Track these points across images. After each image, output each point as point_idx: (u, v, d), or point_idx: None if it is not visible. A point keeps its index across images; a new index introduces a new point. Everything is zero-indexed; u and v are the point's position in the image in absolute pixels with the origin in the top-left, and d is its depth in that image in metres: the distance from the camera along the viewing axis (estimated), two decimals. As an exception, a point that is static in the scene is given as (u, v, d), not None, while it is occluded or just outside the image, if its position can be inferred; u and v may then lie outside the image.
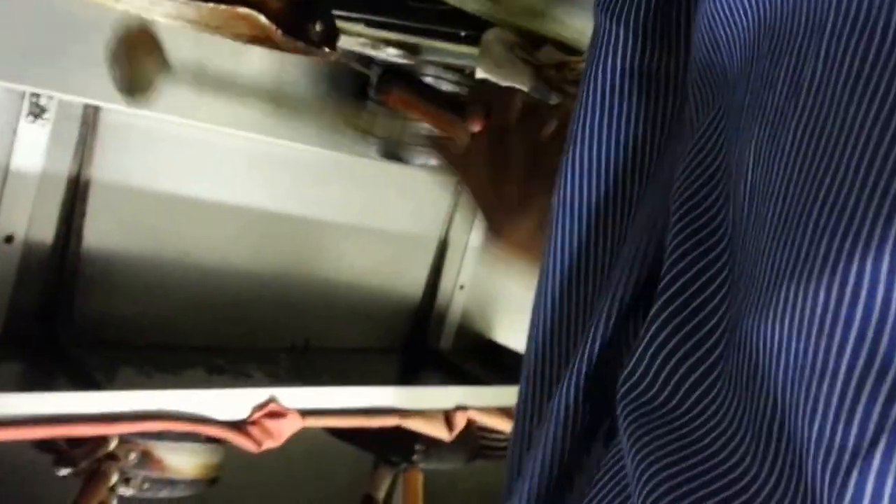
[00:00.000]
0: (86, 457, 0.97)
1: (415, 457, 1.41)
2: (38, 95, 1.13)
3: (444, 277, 1.83)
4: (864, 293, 0.26)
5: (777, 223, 0.28)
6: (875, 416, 0.25)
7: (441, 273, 1.83)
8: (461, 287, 1.98)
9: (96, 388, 1.07)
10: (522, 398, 0.47)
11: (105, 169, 1.24)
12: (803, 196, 0.27)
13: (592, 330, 0.39)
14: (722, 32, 0.36)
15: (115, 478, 1.05)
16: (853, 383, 0.26)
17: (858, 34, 0.28)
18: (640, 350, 0.35)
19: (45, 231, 1.19)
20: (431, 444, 1.41)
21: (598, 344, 0.39)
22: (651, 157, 0.42)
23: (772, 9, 0.33)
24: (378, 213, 1.69)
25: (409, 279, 1.81)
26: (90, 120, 1.20)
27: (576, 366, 0.39)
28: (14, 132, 1.13)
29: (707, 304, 0.34)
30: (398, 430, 1.35)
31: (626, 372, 0.36)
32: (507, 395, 1.55)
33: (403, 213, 1.75)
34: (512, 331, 2.13)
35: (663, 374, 0.34)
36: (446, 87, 1.47)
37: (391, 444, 1.42)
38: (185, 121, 1.26)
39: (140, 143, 1.27)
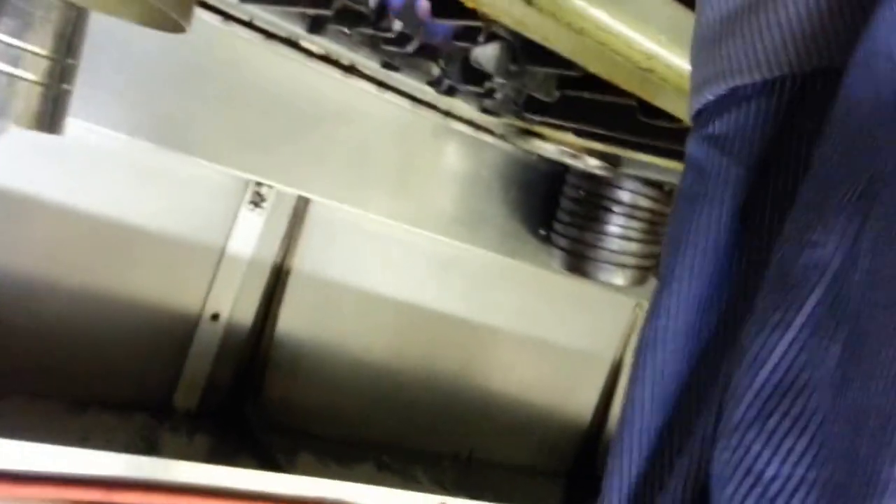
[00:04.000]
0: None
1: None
2: (260, 185, 1.21)
3: (617, 401, 1.75)
4: None
5: None
6: None
7: (613, 396, 1.77)
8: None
9: (280, 469, 1.08)
10: None
11: (306, 260, 1.30)
12: None
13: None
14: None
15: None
16: None
17: None
18: None
19: (247, 314, 1.25)
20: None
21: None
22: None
23: None
24: (553, 327, 1.66)
25: (581, 399, 1.75)
26: (300, 212, 1.27)
27: None
28: (234, 218, 1.21)
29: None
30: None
31: None
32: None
33: (579, 330, 1.72)
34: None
35: None
36: (643, 202, 1.46)
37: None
38: (382, 219, 1.31)
39: (342, 238, 1.33)
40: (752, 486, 0.33)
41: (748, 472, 0.33)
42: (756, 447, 0.33)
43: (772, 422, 0.33)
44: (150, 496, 0.94)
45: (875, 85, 0.35)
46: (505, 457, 1.60)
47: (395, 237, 1.38)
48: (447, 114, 1.31)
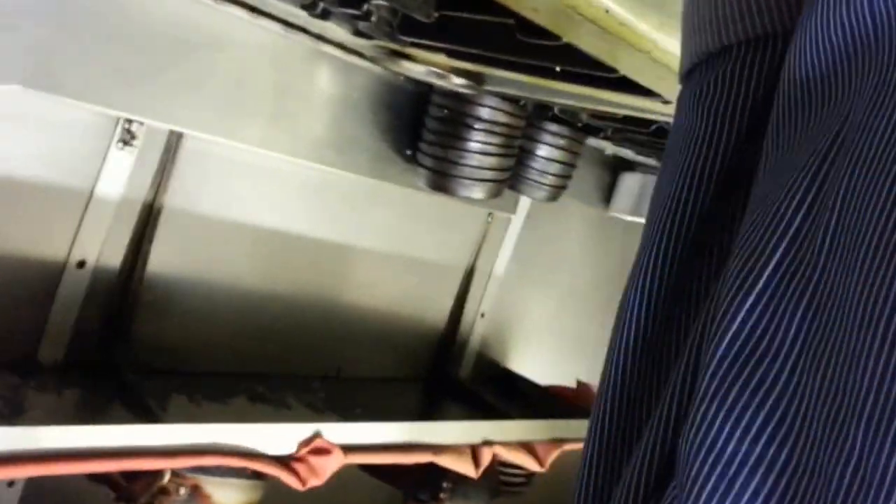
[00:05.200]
0: (144, 491, 0.99)
1: (442, 494, 1.44)
2: (130, 122, 1.15)
3: (468, 306, 1.87)
4: None
5: (875, 264, 0.28)
6: None
7: (465, 302, 1.88)
8: (482, 315, 2.02)
9: (152, 418, 1.09)
10: (593, 455, 0.44)
11: (178, 196, 1.26)
12: None
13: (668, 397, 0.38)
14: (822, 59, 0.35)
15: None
16: None
17: None
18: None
19: (115, 257, 1.21)
20: (458, 481, 1.45)
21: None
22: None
23: (880, 53, 0.33)
24: (414, 243, 1.72)
25: (436, 307, 1.84)
26: (172, 147, 1.22)
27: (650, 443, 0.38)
28: (103, 158, 1.15)
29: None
30: (427, 467, 1.39)
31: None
32: (527, 429, 1.59)
33: (437, 243, 1.77)
34: (528, 359, 2.17)
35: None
36: (502, 118, 1.51)
37: (420, 482, 1.45)
38: (256, 149, 1.29)
39: (214, 172, 1.30)
40: (714, 464, 0.31)
41: (711, 447, 0.31)
42: (717, 421, 0.31)
43: (732, 393, 0.31)
44: (22, 467, 0.94)
45: (829, 30, 0.35)
46: (371, 371, 1.68)
47: (268, 167, 1.36)
48: (319, 37, 1.28)
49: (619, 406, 0.42)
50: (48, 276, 1.15)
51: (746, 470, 0.30)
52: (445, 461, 1.40)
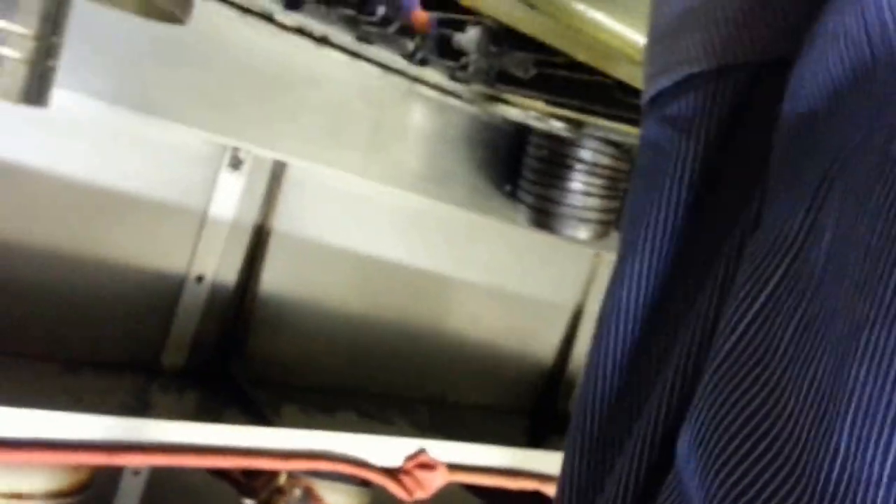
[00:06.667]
0: (263, 488, 1.03)
1: (548, 522, 1.41)
2: (237, 149, 1.23)
3: (578, 344, 1.85)
4: None
5: (860, 277, 0.29)
6: None
7: (574, 340, 1.86)
8: (589, 353, 1.95)
9: (267, 423, 1.13)
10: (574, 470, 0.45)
11: (284, 219, 1.33)
12: (887, 252, 0.29)
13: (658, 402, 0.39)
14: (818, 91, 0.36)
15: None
16: None
17: None
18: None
19: (230, 274, 1.28)
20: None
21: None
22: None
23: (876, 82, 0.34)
24: (518, 278, 1.72)
25: (544, 343, 1.82)
26: (278, 173, 1.30)
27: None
28: (215, 181, 1.24)
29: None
30: (531, 495, 1.36)
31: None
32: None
33: (542, 280, 1.76)
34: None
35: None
36: (604, 160, 1.51)
37: (524, 507, 1.43)
38: (355, 178, 1.35)
39: (317, 198, 1.37)
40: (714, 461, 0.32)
41: (703, 443, 0.33)
42: (709, 421, 0.33)
43: (724, 392, 0.33)
44: (148, 457, 0.99)
45: (828, 64, 0.36)
46: (475, 399, 1.68)
47: (367, 195, 1.42)
48: (415, 79, 1.34)
49: (602, 416, 0.44)
50: (170, 289, 1.23)
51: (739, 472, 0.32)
52: (552, 491, 1.37)
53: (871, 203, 0.30)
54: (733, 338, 0.34)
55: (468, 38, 0.90)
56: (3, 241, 1.11)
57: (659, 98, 0.47)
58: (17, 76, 0.91)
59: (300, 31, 1.19)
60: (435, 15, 0.89)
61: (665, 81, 0.46)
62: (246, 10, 1.14)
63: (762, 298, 0.34)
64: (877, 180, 0.31)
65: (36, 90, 0.94)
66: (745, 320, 0.34)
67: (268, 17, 1.16)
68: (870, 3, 0.35)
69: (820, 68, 0.37)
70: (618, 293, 0.44)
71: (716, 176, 0.42)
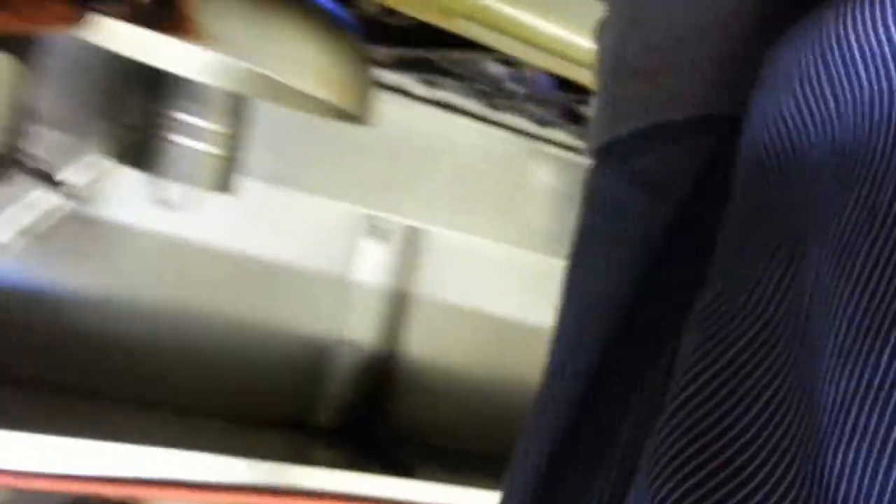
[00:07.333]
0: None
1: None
2: (377, 217, 1.35)
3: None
4: None
5: (840, 350, 0.27)
6: None
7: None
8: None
9: (408, 476, 1.22)
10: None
11: (423, 284, 1.43)
12: (875, 322, 0.26)
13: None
14: (783, 151, 0.33)
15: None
16: None
17: None
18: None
19: (374, 339, 1.38)
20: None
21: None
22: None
23: (843, 130, 0.30)
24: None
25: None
26: (414, 239, 1.40)
27: None
28: (356, 249, 1.36)
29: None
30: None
31: None
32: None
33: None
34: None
35: None
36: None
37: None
38: (489, 241, 1.43)
39: (454, 262, 1.46)
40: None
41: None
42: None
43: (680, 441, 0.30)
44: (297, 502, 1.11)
45: (779, 122, 0.33)
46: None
47: (502, 259, 1.48)
48: (540, 138, 1.43)
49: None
50: (318, 351, 1.34)
51: None
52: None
53: (853, 265, 0.28)
54: (681, 405, 0.31)
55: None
56: (178, 309, 1.25)
57: (616, 146, 0.43)
58: (210, 167, 1.08)
59: (432, 102, 1.31)
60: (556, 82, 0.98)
61: (623, 129, 0.42)
62: (384, 87, 1.26)
63: (722, 361, 0.31)
64: (861, 241, 0.28)
65: (225, 179, 1.11)
66: (700, 381, 0.31)
67: (404, 92, 1.28)
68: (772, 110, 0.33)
69: (774, 115, 0.33)
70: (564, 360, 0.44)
71: (685, 237, 0.38)
